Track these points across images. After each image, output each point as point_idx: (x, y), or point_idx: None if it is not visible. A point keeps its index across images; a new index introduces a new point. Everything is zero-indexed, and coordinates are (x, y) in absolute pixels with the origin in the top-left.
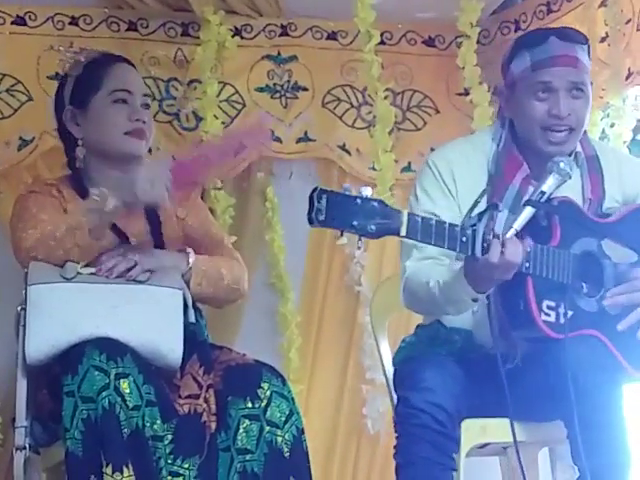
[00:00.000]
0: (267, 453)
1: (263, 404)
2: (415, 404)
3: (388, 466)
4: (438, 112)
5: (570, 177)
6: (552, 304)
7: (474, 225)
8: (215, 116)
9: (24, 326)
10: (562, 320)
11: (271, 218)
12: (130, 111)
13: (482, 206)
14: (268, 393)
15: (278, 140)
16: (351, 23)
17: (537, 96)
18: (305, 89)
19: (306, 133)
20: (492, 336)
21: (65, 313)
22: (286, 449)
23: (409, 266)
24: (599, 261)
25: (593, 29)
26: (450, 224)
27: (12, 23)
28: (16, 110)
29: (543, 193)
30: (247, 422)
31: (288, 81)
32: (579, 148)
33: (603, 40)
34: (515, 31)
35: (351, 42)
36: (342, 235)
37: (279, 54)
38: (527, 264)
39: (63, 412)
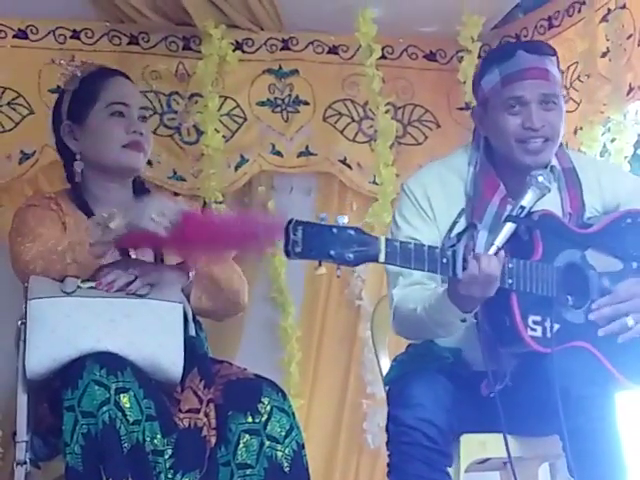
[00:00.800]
0: (267, 468)
1: (263, 419)
2: (405, 421)
3: None
4: (439, 126)
5: (549, 190)
6: (538, 319)
7: (453, 246)
8: (216, 130)
9: (24, 340)
10: (549, 334)
11: None
12: (127, 124)
13: (461, 226)
14: (268, 408)
15: (279, 154)
16: (352, 37)
17: (510, 110)
18: (306, 103)
19: (307, 147)
20: (482, 355)
21: (65, 327)
22: (286, 464)
23: (396, 294)
24: (583, 272)
25: (594, 44)
26: (429, 247)
27: (14, 36)
28: (17, 124)
29: (523, 208)
30: (247, 437)
31: (289, 95)
32: (555, 162)
33: (604, 55)
34: None
35: (352, 56)
36: (320, 265)
37: (280, 68)
38: (510, 280)
39: (63, 427)
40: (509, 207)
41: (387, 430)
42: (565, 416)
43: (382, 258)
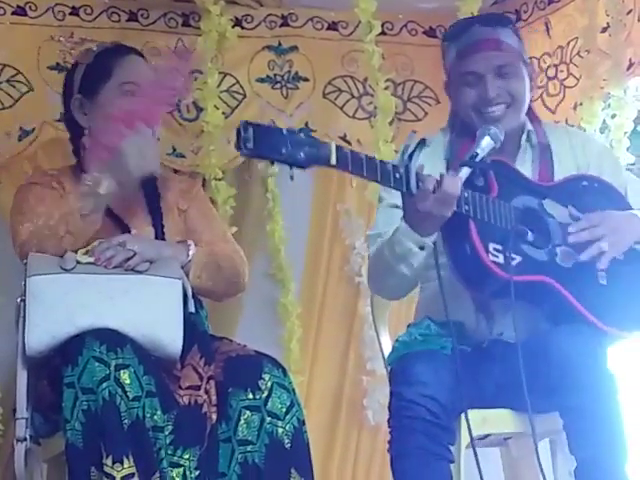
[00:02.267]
0: (268, 444)
1: (264, 395)
2: (407, 397)
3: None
4: (439, 102)
5: (501, 141)
6: (499, 247)
7: (407, 166)
8: (216, 106)
9: (24, 317)
10: (510, 263)
11: (272, 209)
12: None
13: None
14: (269, 384)
15: None
16: (352, 13)
17: (467, 82)
18: (306, 79)
19: (307, 124)
20: (442, 298)
21: (65, 304)
22: (287, 440)
23: (372, 250)
24: (543, 218)
25: (594, 19)
26: (381, 161)
27: (12, 13)
28: (16, 100)
29: (476, 154)
30: (248, 413)
31: (289, 71)
32: (534, 136)
33: (604, 30)
34: (516, 21)
35: (352, 32)
36: (273, 164)
37: (280, 44)
38: (467, 207)
39: (63, 403)
40: None
41: (389, 407)
42: (565, 394)
43: (333, 160)
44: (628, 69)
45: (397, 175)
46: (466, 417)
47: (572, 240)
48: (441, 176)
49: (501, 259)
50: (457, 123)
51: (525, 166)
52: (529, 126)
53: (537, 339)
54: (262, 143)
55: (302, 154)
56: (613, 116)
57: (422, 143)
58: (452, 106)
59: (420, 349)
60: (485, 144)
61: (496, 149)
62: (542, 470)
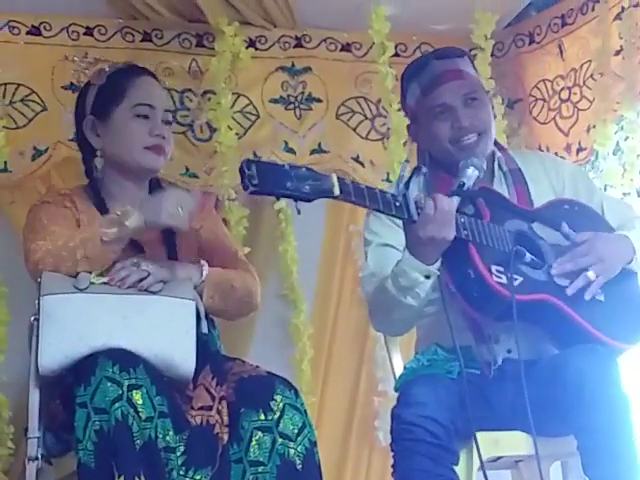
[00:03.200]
0: (279, 465)
1: (276, 416)
2: (407, 419)
3: None
4: None
5: (484, 170)
6: (500, 268)
7: (405, 194)
8: (229, 127)
9: (37, 337)
10: (513, 284)
11: (284, 229)
12: (151, 126)
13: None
14: (281, 405)
15: (292, 151)
16: (365, 35)
17: (437, 117)
18: (319, 100)
19: (320, 145)
20: (447, 320)
21: (78, 324)
22: (298, 461)
23: (369, 290)
24: (534, 240)
25: (608, 42)
26: (381, 190)
27: (27, 33)
28: (30, 120)
29: (463, 184)
30: (260, 434)
31: (302, 92)
32: (503, 162)
33: (617, 53)
34: (529, 44)
35: (365, 54)
36: (278, 199)
37: (293, 65)
38: (465, 232)
39: (75, 423)
40: None
41: (391, 431)
42: (580, 414)
43: (337, 191)
44: None
45: (397, 203)
46: (475, 440)
47: (555, 272)
48: (434, 198)
49: (504, 279)
50: (427, 161)
51: (502, 192)
52: (498, 153)
53: (552, 360)
54: (267, 179)
55: (307, 187)
56: (626, 139)
57: (417, 171)
58: (420, 145)
59: (424, 373)
60: (470, 173)
61: (480, 178)
62: None
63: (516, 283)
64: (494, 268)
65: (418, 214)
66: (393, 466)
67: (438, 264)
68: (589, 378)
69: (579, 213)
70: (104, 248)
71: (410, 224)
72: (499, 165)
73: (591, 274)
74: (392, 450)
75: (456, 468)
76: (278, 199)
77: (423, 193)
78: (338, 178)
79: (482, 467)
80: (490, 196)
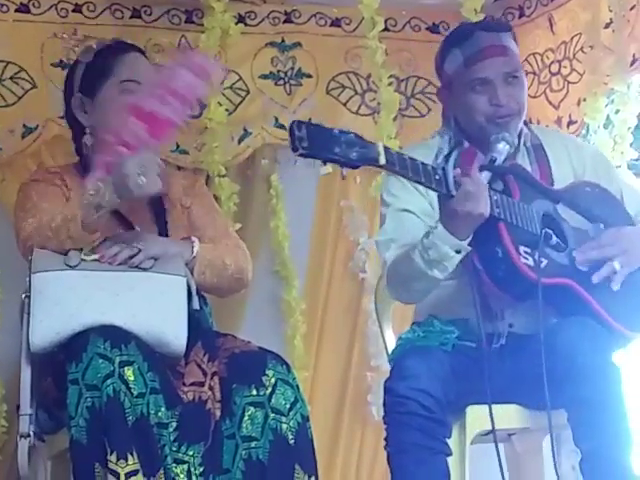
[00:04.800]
0: (272, 440)
1: (268, 391)
2: (400, 392)
3: None
4: None
5: (514, 145)
6: (528, 250)
7: (444, 168)
8: (219, 103)
9: (28, 314)
10: (539, 265)
11: (275, 205)
12: None
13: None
14: (273, 380)
15: (282, 127)
16: (355, 10)
17: (475, 90)
18: (309, 76)
19: (310, 120)
20: (474, 304)
21: (69, 301)
22: (291, 436)
23: (389, 256)
24: (558, 222)
25: (597, 15)
26: (422, 162)
27: (16, 11)
28: (20, 98)
29: (495, 159)
30: (252, 409)
31: (292, 68)
32: (529, 138)
33: (607, 26)
34: (519, 17)
35: (355, 29)
36: (325, 164)
37: (283, 41)
38: (497, 210)
39: (67, 400)
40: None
41: (384, 404)
42: (570, 386)
43: (382, 160)
44: (631, 65)
45: (437, 177)
46: (491, 415)
47: (580, 259)
48: (471, 173)
49: (531, 262)
50: (452, 127)
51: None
52: (525, 129)
53: (545, 332)
54: (316, 142)
55: (354, 154)
56: (617, 112)
57: (458, 145)
58: (447, 111)
59: (418, 344)
60: (501, 148)
61: (510, 153)
62: (556, 464)
63: (542, 265)
64: (522, 249)
65: (456, 189)
66: (386, 439)
67: (469, 239)
68: (579, 348)
69: (600, 197)
70: (85, 228)
71: (447, 199)
72: (524, 140)
73: (617, 264)
74: (385, 423)
75: (449, 441)
76: (325, 163)
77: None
78: (384, 147)
79: (494, 438)
80: (520, 173)
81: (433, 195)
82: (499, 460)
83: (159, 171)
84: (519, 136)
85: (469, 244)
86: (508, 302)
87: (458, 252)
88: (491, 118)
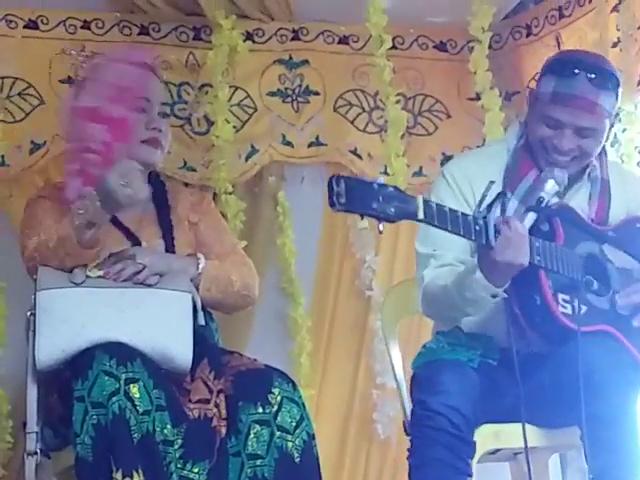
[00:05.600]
0: (277, 458)
1: (274, 409)
2: (431, 406)
3: (398, 471)
4: (449, 117)
5: (565, 184)
6: (567, 297)
7: (485, 217)
8: (226, 120)
9: (34, 331)
10: (578, 314)
11: (282, 222)
12: (148, 120)
13: (490, 199)
14: (279, 398)
15: (289, 144)
16: (363, 27)
17: (546, 122)
18: (316, 93)
19: (317, 137)
20: (508, 338)
21: (75, 318)
22: (296, 454)
23: (427, 274)
24: (603, 264)
25: (605, 34)
26: (463, 213)
27: (24, 27)
28: (28, 114)
29: (542, 198)
30: (258, 427)
31: (299, 85)
32: (597, 171)
33: (615, 45)
34: (527, 36)
35: (363, 46)
36: (362, 218)
37: (290, 58)
38: (538, 257)
39: (73, 417)
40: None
41: (412, 414)
42: (585, 401)
43: (421, 215)
44: (639, 84)
45: (477, 227)
46: (524, 429)
47: (622, 302)
48: (508, 221)
49: (569, 310)
50: (526, 135)
51: (579, 199)
52: (594, 161)
53: (564, 350)
54: (354, 198)
55: (392, 209)
56: (624, 130)
57: (502, 195)
58: (527, 115)
59: (447, 358)
60: (549, 187)
61: (560, 193)
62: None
63: (581, 312)
64: (560, 297)
65: (496, 238)
66: (409, 450)
67: (506, 285)
68: (598, 366)
69: None
70: (82, 245)
71: (487, 249)
72: (590, 172)
73: None
74: (410, 433)
75: (470, 462)
76: (362, 217)
77: (511, 157)
78: (424, 200)
79: (526, 455)
80: (566, 215)
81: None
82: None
83: (141, 176)
84: (586, 167)
85: (508, 288)
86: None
87: (494, 296)
88: (547, 151)
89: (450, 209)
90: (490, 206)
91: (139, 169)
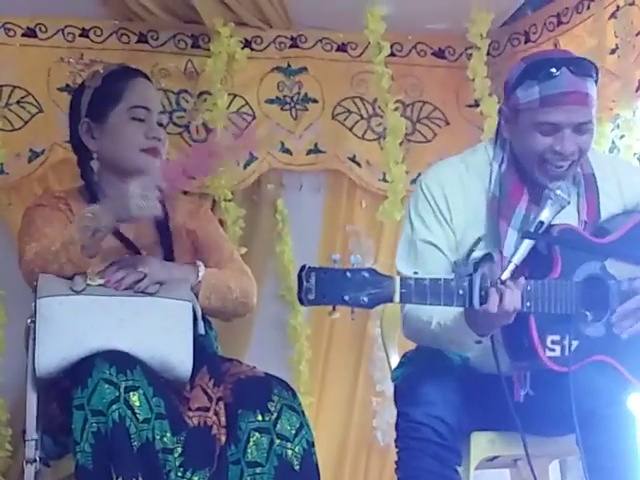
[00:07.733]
0: (277, 466)
1: (273, 417)
2: (415, 418)
3: None
4: (448, 124)
5: (568, 203)
6: (557, 338)
7: (470, 275)
8: (225, 128)
9: (34, 339)
10: (567, 353)
11: (281, 230)
12: (147, 129)
13: (478, 252)
14: (278, 406)
15: (288, 152)
16: (361, 35)
17: (541, 130)
18: (315, 101)
19: (316, 145)
20: (497, 369)
21: (75, 326)
22: (296, 462)
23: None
24: (604, 283)
25: (603, 41)
26: (445, 279)
27: (22, 35)
28: (26, 122)
29: (542, 223)
30: (257, 435)
31: (298, 93)
32: (578, 168)
33: (613, 52)
34: (525, 43)
35: (361, 54)
36: (334, 310)
37: (289, 66)
38: (528, 303)
39: (73, 425)
40: (533, 213)
41: (396, 427)
42: (586, 432)
43: (397, 299)
44: (637, 90)
45: (460, 292)
46: (524, 441)
47: (616, 323)
48: (501, 293)
49: (558, 352)
50: (507, 152)
51: (569, 207)
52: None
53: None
54: (324, 292)
55: (365, 298)
56: (622, 137)
57: (489, 258)
58: (505, 133)
59: (428, 367)
60: (549, 212)
61: (565, 205)
62: None
63: (572, 348)
64: (549, 339)
65: (481, 303)
66: (397, 463)
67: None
68: (596, 392)
69: None
70: (84, 252)
71: (471, 309)
72: (574, 175)
73: None
74: (396, 446)
75: (459, 469)
76: (334, 309)
77: (496, 187)
78: (401, 280)
79: (529, 461)
80: (567, 237)
81: (457, 225)
82: None
83: (159, 195)
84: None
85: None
86: None
87: (479, 342)
88: (545, 163)
89: (430, 279)
90: (476, 266)
91: (157, 186)
